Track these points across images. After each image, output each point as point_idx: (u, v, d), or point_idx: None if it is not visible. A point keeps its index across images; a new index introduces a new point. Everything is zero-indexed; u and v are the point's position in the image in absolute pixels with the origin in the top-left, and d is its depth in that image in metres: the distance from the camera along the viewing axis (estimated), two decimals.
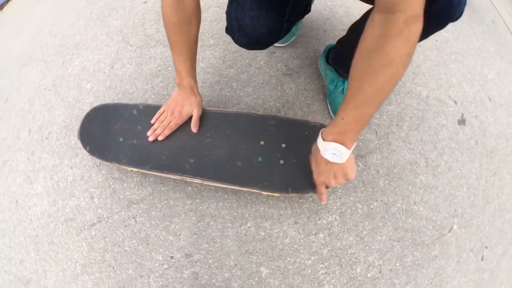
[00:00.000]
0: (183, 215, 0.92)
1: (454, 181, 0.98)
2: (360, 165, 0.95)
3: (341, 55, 0.95)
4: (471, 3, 1.81)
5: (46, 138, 1.13)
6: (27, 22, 1.64)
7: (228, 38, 1.24)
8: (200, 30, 1.31)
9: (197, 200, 0.93)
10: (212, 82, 1.11)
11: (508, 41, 1.75)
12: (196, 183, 0.92)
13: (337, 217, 0.90)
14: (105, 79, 1.19)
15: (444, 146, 1.02)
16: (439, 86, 1.18)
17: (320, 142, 0.66)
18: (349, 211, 0.90)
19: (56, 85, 1.25)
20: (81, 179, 1.03)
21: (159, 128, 0.87)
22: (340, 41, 0.97)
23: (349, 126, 0.60)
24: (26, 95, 1.27)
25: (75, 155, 1.07)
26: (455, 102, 1.15)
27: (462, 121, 1.10)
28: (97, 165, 1.03)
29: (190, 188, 0.95)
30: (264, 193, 0.83)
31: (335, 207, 0.91)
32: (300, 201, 0.92)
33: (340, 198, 0.92)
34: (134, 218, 0.93)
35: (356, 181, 0.93)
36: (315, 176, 0.73)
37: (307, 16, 1.30)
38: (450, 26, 1.54)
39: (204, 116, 0.89)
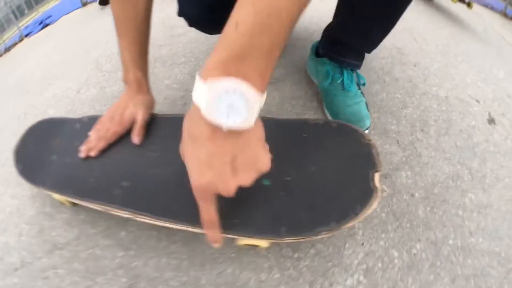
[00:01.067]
0: (110, 273, 0.55)
1: (506, 194, 0.66)
2: (386, 188, 0.63)
3: (335, 34, 0.69)
4: (460, 19, 1.68)
5: (2, 165, 0.86)
6: (25, 62, 1.64)
7: (201, 55, 1.03)
8: (173, 51, 1.06)
9: (131, 252, 0.57)
10: (175, 98, 0.82)
11: (504, 45, 1.57)
12: (135, 221, 0.58)
13: (362, 278, 0.53)
14: (68, 104, 0.99)
15: (484, 151, 0.72)
16: (455, 86, 0.92)
17: (198, 89, 0.30)
18: (379, 264, 0.54)
19: (26, 113, 1.06)
20: (16, 212, 0.70)
21: (93, 140, 0.57)
22: (329, 26, 0.73)
23: (251, 41, 0.28)
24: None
25: (20, 184, 0.75)
26: (478, 101, 0.88)
27: (491, 121, 0.83)
28: (33, 196, 0.71)
29: (124, 233, 0.59)
30: (240, 241, 0.49)
31: (356, 261, 0.54)
32: (296, 255, 0.55)
33: (363, 244, 0.56)
34: (54, 268, 0.57)
35: (384, 214, 0.60)
36: (193, 176, 0.34)
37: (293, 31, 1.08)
38: (447, 32, 1.39)
39: (154, 123, 0.59)
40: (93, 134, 0.58)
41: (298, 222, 0.43)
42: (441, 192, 0.62)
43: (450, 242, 0.57)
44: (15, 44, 2.32)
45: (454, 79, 0.95)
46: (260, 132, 0.34)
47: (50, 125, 0.70)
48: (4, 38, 2.54)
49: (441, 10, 1.74)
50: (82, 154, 0.57)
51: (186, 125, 0.34)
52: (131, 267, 0.55)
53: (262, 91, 0.31)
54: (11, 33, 2.61)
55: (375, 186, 0.43)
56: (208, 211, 0.37)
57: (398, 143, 0.69)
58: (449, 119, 0.78)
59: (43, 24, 2.47)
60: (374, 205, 0.41)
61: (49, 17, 2.60)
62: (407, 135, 0.71)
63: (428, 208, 0.60)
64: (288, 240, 0.42)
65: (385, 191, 0.62)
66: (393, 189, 0.62)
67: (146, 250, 0.57)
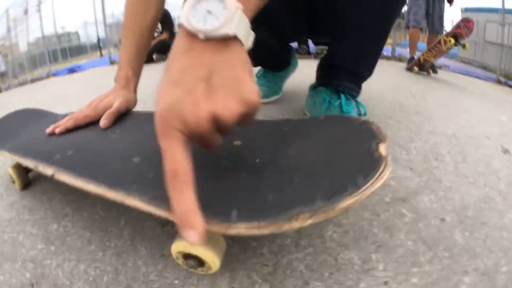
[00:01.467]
0: (19, 263, 0.45)
1: None
2: (405, 212, 0.54)
3: (330, 60, 0.72)
4: (457, 85, 1.79)
5: None
6: (44, 92, 1.86)
7: None
8: None
9: (52, 248, 0.47)
10: None
11: (502, 101, 1.60)
12: (70, 215, 0.54)
13: None
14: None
15: (508, 175, 0.65)
16: (461, 127, 0.91)
17: (183, 9, 0.28)
18: None
19: None
20: None
21: (62, 120, 0.56)
22: (323, 56, 0.78)
23: None
24: None
25: None
26: (488, 138, 0.85)
27: (506, 151, 0.78)
28: None
29: (55, 226, 0.51)
30: (174, 247, 0.36)
31: None
32: None
33: (387, 283, 0.42)
34: None
35: (410, 242, 0.50)
36: (157, 103, 0.27)
37: (292, 82, 1.15)
38: (445, 93, 1.47)
39: (128, 116, 0.57)
40: (66, 117, 0.58)
41: (261, 202, 0.30)
42: (476, 215, 0.53)
43: (504, 269, 0.45)
44: (41, 78, 2.59)
45: (458, 123, 0.95)
46: (246, 59, 0.29)
47: (35, 114, 0.73)
48: (34, 73, 2.92)
49: (438, 80, 1.87)
50: (48, 130, 0.56)
51: (167, 61, 0.29)
52: (43, 264, 0.44)
53: (241, 6, 0.28)
54: (41, 72, 2.98)
55: (381, 156, 0.32)
56: (173, 157, 0.25)
57: (412, 170, 0.64)
58: (462, 151, 0.74)
59: (71, 70, 2.89)
60: (386, 175, 0.30)
61: (78, 67, 3.11)
62: (420, 163, 0.66)
63: (467, 233, 0.50)
64: (242, 227, 0.28)
65: (406, 215, 0.53)
66: (417, 213, 0.54)
67: (68, 249, 0.46)
